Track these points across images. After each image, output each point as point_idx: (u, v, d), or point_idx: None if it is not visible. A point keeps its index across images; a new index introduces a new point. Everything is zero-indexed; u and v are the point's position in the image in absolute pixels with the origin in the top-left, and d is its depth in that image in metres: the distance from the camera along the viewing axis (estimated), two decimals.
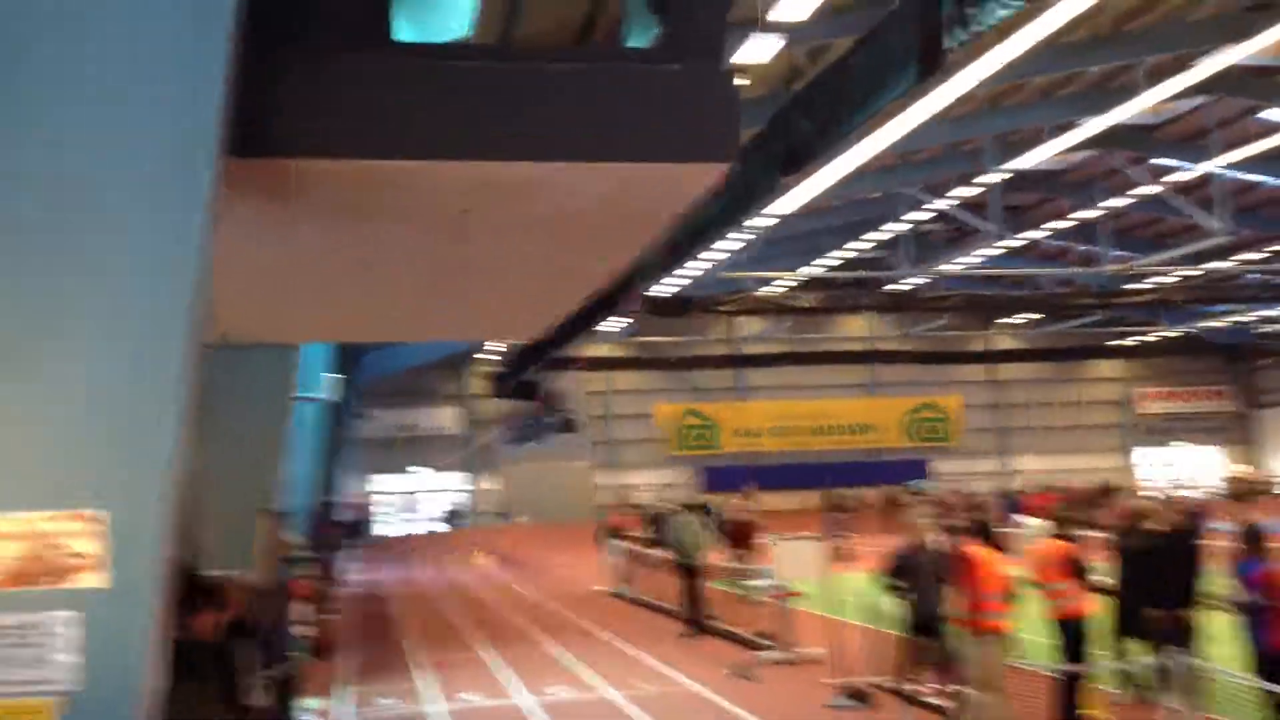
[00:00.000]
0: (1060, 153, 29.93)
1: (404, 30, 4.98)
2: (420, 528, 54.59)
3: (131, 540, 3.85)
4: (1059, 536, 11.49)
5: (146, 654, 3.80)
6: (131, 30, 3.94)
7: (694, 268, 32.46)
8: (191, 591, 6.42)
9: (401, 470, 56.05)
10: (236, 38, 4.01)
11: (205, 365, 4.55)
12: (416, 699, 14.47)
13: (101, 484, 3.88)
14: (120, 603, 3.82)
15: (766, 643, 16.68)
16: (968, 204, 35.23)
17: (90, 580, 3.82)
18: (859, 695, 12.85)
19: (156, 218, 3.94)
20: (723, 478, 54.35)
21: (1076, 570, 11.04)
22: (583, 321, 26.63)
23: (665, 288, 33.88)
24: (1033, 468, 58.62)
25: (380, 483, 56.78)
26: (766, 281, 38.03)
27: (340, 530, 39.20)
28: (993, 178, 31.64)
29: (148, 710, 3.86)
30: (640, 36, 5.18)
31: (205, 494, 8.12)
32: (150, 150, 3.93)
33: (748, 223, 26.49)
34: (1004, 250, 40.41)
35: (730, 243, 30.90)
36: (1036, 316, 52.30)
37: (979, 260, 40.14)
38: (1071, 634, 10.98)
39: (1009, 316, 55.03)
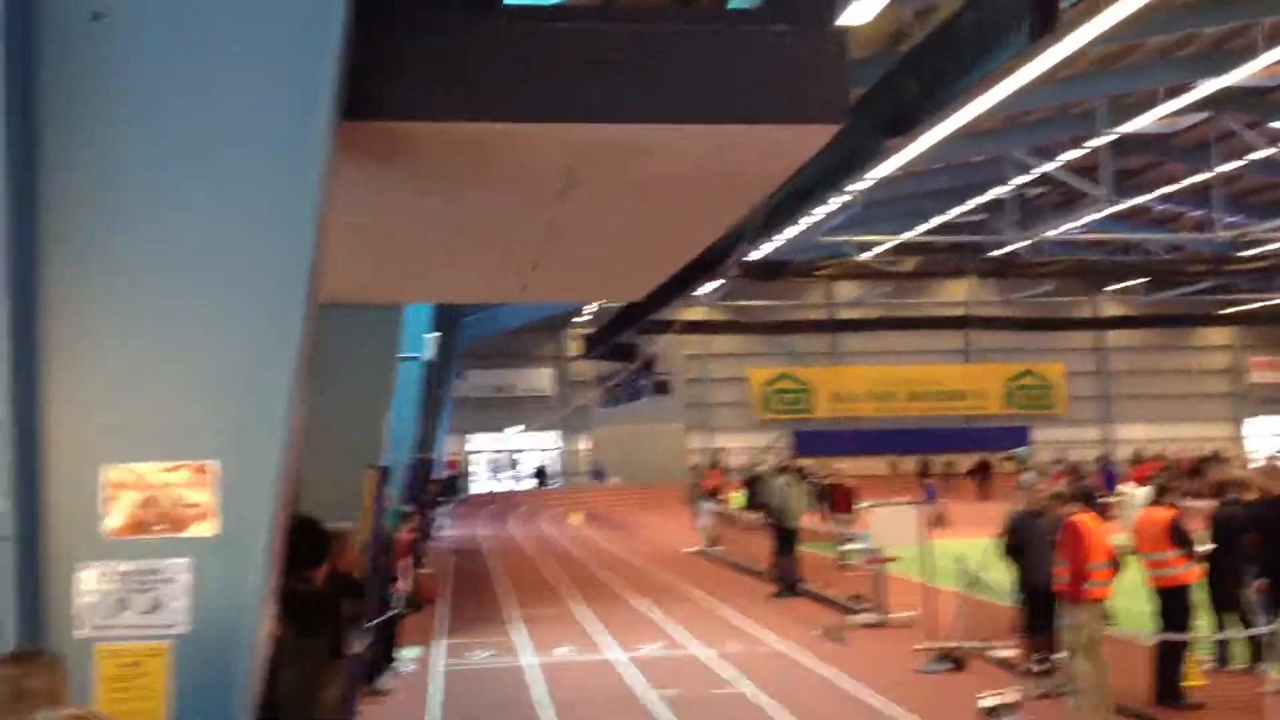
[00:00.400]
0: (1172, 115, 28.97)
1: None
2: (515, 486, 55.24)
3: (244, 491, 3.98)
4: (1160, 504, 11.26)
5: (256, 600, 3.92)
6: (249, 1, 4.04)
7: (792, 231, 32.16)
8: (312, 543, 6.60)
9: (498, 430, 56.72)
10: (350, 4, 4.07)
11: (317, 324, 4.66)
12: (511, 651, 14.74)
13: (216, 436, 4.01)
14: (232, 551, 3.95)
15: (858, 606, 16.66)
16: (1076, 168, 34.28)
17: (204, 528, 3.96)
18: (951, 659, 12.77)
19: (275, 178, 4.03)
20: (816, 442, 54.08)
21: (1178, 539, 10.83)
22: (680, 284, 26.59)
23: (762, 251, 33.63)
24: (1139, 437, 57.24)
25: (477, 441, 57.56)
26: (865, 246, 37.49)
27: (438, 487, 39.92)
28: (1103, 141, 30.76)
29: (257, 654, 3.99)
30: None
31: (315, 448, 8.32)
32: (269, 112, 4.02)
33: (848, 186, 26.15)
34: (1112, 215, 39.33)
35: (829, 206, 30.54)
36: (1144, 282, 50.85)
37: (1086, 225, 39.11)
38: (1172, 603, 10.80)
39: (1116, 283, 53.61)
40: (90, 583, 3.89)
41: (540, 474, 55.95)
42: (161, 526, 3.94)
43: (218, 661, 3.73)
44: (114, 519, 3.93)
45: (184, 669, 3.85)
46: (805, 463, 30.88)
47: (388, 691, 12.42)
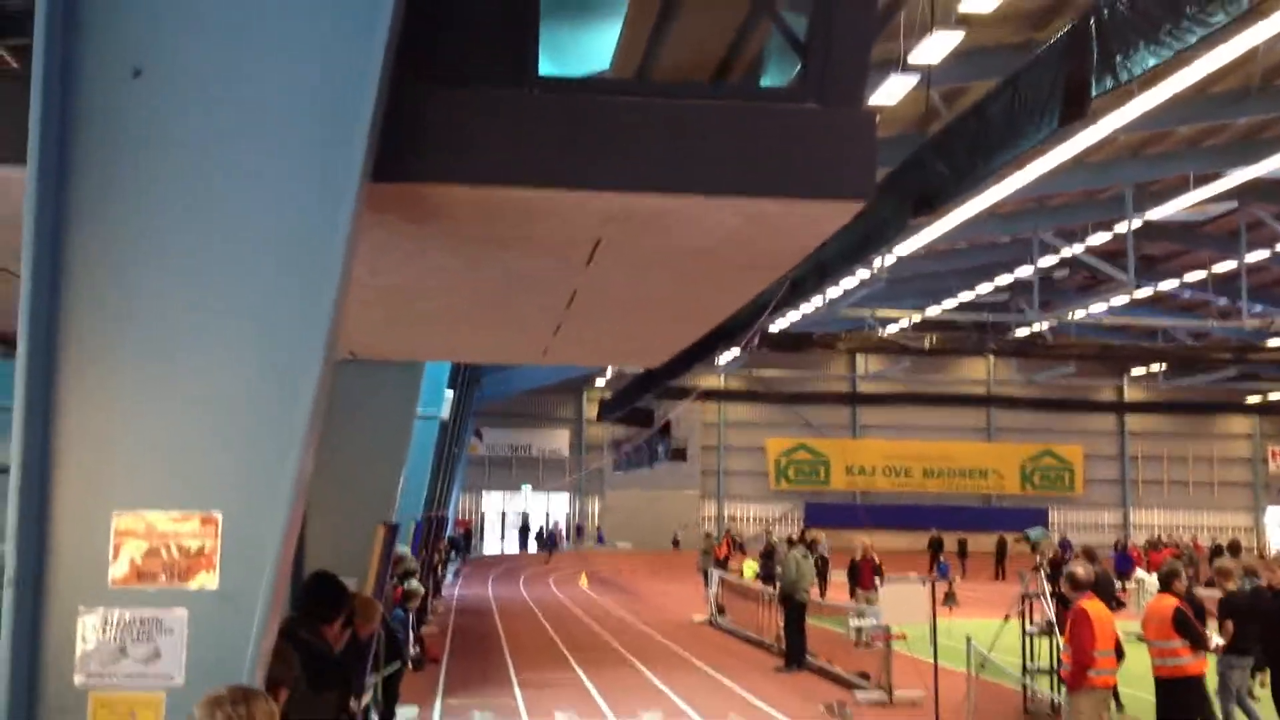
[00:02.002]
0: (1200, 203, 29.05)
1: (546, 64, 5.06)
2: (526, 547, 55.02)
3: (248, 544, 3.95)
4: (1169, 593, 11.12)
5: (253, 654, 3.89)
6: (287, 59, 4.09)
7: (815, 303, 32.24)
8: (330, 597, 6.57)
9: (511, 489, 56.63)
10: (385, 69, 4.12)
11: (334, 380, 4.67)
12: (509, 715, 14.56)
13: (224, 487, 4.00)
14: (232, 604, 3.92)
15: (864, 683, 16.43)
16: (1101, 252, 34.37)
17: (206, 580, 3.93)
18: None
19: (300, 236, 4.06)
20: (829, 514, 53.79)
21: (1181, 628, 10.67)
22: (700, 352, 26.65)
23: (784, 322, 33.72)
24: (1156, 522, 56.74)
25: (490, 500, 57.47)
26: (887, 320, 37.54)
27: (448, 545, 39.76)
28: (1129, 226, 30.81)
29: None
30: (778, 75, 5.17)
31: (325, 502, 8.30)
32: (299, 170, 4.06)
33: (872, 261, 26.26)
34: (1137, 301, 39.31)
35: (853, 280, 30.63)
36: (1167, 368, 50.66)
37: (1110, 309, 39.07)
38: (1178, 693, 10.63)
39: (1139, 367, 53.43)
40: (92, 629, 3.87)
41: (556, 537, 55.74)
42: (165, 576, 3.92)
43: None
44: (120, 567, 3.91)
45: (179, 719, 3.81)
46: (817, 534, 30.59)
47: None
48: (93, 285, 4.03)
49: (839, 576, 29.46)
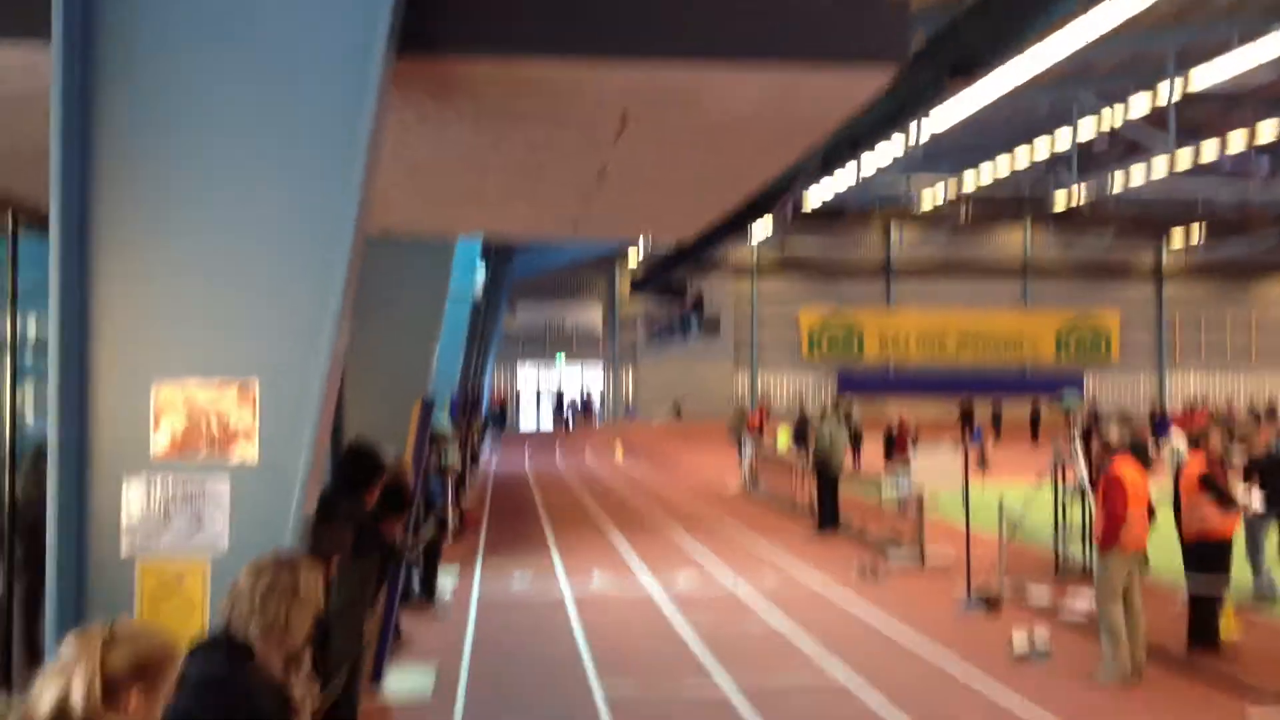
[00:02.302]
0: (1242, 70, 28.23)
1: None
2: (561, 420, 55.60)
3: (286, 415, 4.04)
4: (1200, 454, 11.18)
5: (294, 522, 4.00)
6: None
7: (849, 174, 31.81)
8: (365, 467, 6.75)
9: (546, 364, 57.03)
10: None
11: (368, 256, 4.70)
12: (547, 580, 14.94)
13: (262, 361, 4.07)
14: (272, 473, 4.03)
15: (896, 547, 16.71)
16: (1142, 119, 33.57)
17: (246, 451, 4.03)
18: (987, 602, 12.79)
19: (329, 110, 4.05)
20: (862, 383, 53.91)
21: (1211, 489, 10.75)
22: (733, 225, 26.47)
23: (818, 194, 33.34)
24: (1194, 388, 56.60)
25: (525, 375, 57.96)
26: (923, 190, 37.02)
27: (485, 418, 40.26)
28: (1171, 92, 30.04)
29: None
30: None
31: (363, 378, 8.43)
32: (327, 45, 4.04)
33: (908, 131, 25.80)
34: (1177, 168, 38.53)
35: (890, 150, 30.15)
36: (1205, 234, 49.90)
37: (1150, 178, 38.32)
38: (1209, 553, 10.76)
39: (1178, 233, 52.64)
40: (136, 500, 3.99)
41: (592, 409, 56.17)
42: (206, 447, 4.02)
43: None
44: (161, 438, 4.01)
45: (223, 586, 3.94)
46: (851, 403, 30.73)
47: (439, 614, 12.66)
48: (123, 160, 4.05)
49: (872, 445, 29.74)
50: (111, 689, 2.61)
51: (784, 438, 33.10)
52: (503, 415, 51.15)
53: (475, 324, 22.47)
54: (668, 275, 42.87)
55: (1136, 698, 9.44)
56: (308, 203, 4.09)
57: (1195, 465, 11.00)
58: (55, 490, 3.92)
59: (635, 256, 52.98)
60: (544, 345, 56.56)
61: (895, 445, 26.40)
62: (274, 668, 3.52)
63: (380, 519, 7.06)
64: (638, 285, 50.44)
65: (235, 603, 3.51)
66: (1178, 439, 18.58)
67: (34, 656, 6.77)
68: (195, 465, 4.01)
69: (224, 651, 3.44)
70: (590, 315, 57.53)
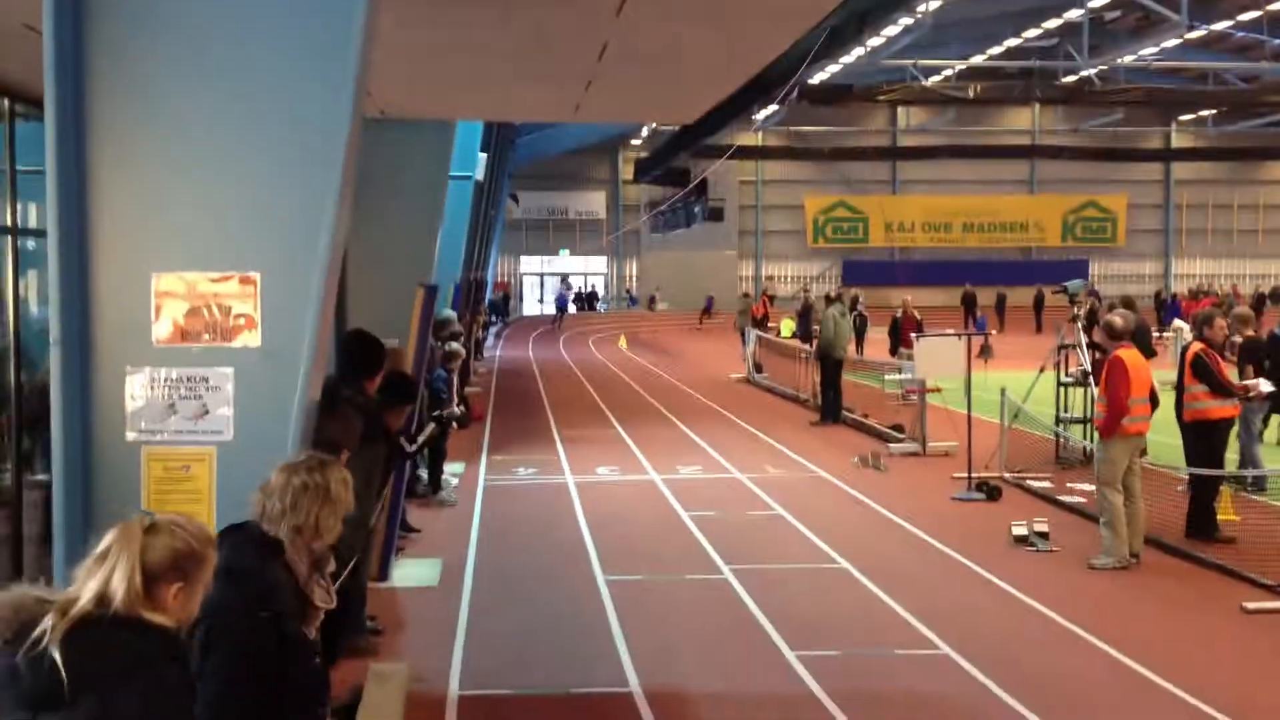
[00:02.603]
0: None
1: None
2: (565, 309, 55.72)
3: (288, 303, 4.01)
4: (1200, 340, 11.15)
5: (299, 410, 4.00)
6: None
7: (854, 54, 31.21)
8: (367, 354, 6.74)
9: (549, 253, 56.84)
10: None
11: (365, 139, 4.61)
12: (552, 469, 15.07)
13: (261, 249, 4.03)
14: (275, 361, 4.01)
15: (898, 435, 16.81)
16: None
17: (249, 339, 4.01)
18: (986, 489, 12.90)
19: None
20: (867, 272, 53.78)
21: (1203, 373, 10.75)
22: (736, 108, 26.08)
23: (823, 74, 32.78)
24: (1200, 272, 56.44)
25: (528, 264, 57.79)
26: (930, 70, 36.35)
27: (488, 308, 40.26)
28: None
29: None
30: None
31: (365, 265, 8.37)
32: None
33: (915, 5, 25.23)
34: (1189, 42, 37.79)
35: (895, 28, 29.53)
36: (1216, 113, 49.14)
37: (1162, 51, 37.59)
38: (1205, 437, 10.80)
39: (1189, 113, 51.89)
40: (140, 388, 3.98)
41: (595, 299, 56.12)
42: (208, 336, 4.00)
43: (262, 468, 3.82)
44: (162, 326, 3.99)
45: (229, 474, 3.96)
46: (855, 292, 30.66)
47: (453, 502, 12.79)
48: (117, 42, 3.96)
49: (876, 334, 29.74)
50: (151, 581, 2.62)
51: (787, 327, 33.12)
52: (506, 304, 51.12)
53: (478, 207, 22.30)
54: (671, 161, 42.41)
55: (1132, 584, 9.56)
56: (304, 86, 4.00)
57: (1192, 349, 10.99)
58: (59, 379, 3.91)
59: (638, 142, 52.41)
60: (547, 234, 56.30)
61: (901, 334, 26.38)
62: (300, 567, 3.53)
63: (384, 409, 7.07)
64: (641, 172, 49.94)
65: (267, 498, 3.52)
66: (1184, 323, 18.60)
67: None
68: (198, 352, 4.00)
69: (254, 544, 3.46)
70: (593, 203, 57.16)
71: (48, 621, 2.50)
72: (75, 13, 3.92)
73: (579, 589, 9.46)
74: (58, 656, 2.46)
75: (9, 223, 9.14)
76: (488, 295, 40.57)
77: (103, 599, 2.57)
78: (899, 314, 27.30)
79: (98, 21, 3.94)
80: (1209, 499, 10.73)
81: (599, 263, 57.87)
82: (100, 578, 2.58)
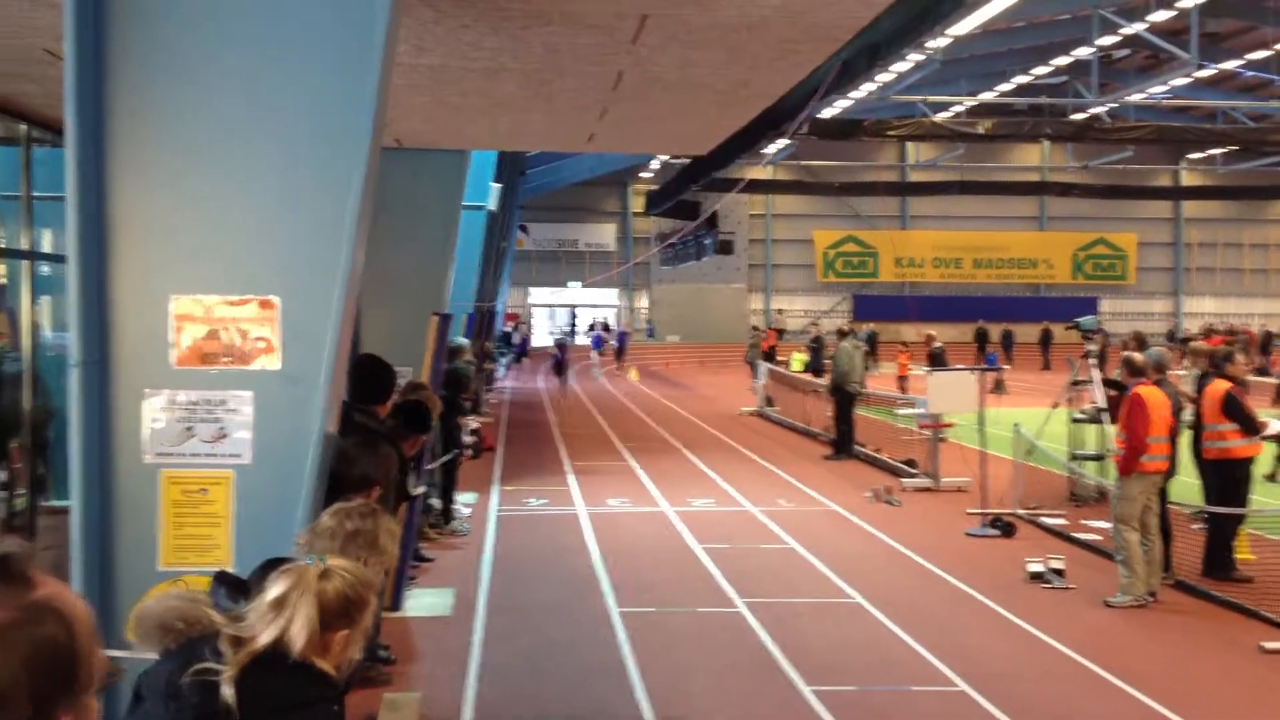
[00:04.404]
0: None
1: None
2: (574, 341, 55.67)
3: (306, 327, 3.99)
4: (1222, 377, 11.06)
5: (317, 434, 3.97)
6: None
7: (865, 89, 31.32)
8: (378, 380, 6.69)
9: (558, 284, 56.90)
10: None
11: (381, 168, 4.61)
12: (563, 500, 15.00)
13: (280, 273, 4.01)
14: (294, 385, 3.98)
15: (910, 470, 16.72)
16: (1163, 29, 32.92)
17: (267, 363, 3.99)
18: (1000, 525, 12.81)
19: (342, 15, 3.94)
20: (877, 306, 53.76)
21: (1233, 412, 10.67)
22: (747, 141, 26.16)
23: (833, 109, 32.88)
24: (1209, 310, 56.31)
25: (537, 295, 57.85)
26: (940, 106, 36.46)
27: (498, 338, 40.25)
28: (1193, 1, 29.41)
29: (318, 486, 4.05)
30: None
31: (379, 292, 8.37)
32: None
33: (926, 42, 25.33)
34: (1198, 81, 37.88)
35: (905, 63, 29.64)
36: (1225, 152, 49.18)
37: (1170, 90, 37.66)
38: (1228, 476, 10.71)
39: (1198, 151, 51.94)
40: (159, 410, 3.95)
41: (605, 331, 55.99)
42: (227, 359, 3.98)
43: (279, 492, 3.79)
44: (181, 349, 3.97)
45: (247, 498, 3.93)
46: (872, 327, 30.63)
47: (465, 533, 12.72)
48: (137, 67, 3.96)
49: (889, 369, 29.67)
50: (323, 628, 2.63)
51: (798, 361, 33.08)
52: (516, 334, 51.08)
53: (490, 237, 22.35)
54: (681, 194, 42.51)
55: (1149, 622, 9.46)
56: (323, 111, 4.00)
57: (1218, 387, 10.88)
58: (79, 401, 3.89)
59: (649, 174, 52.57)
60: (557, 265, 56.39)
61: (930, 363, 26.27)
62: None
63: (399, 437, 7.02)
64: (651, 204, 50.06)
65: (317, 539, 3.48)
66: (1189, 358, 18.45)
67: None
68: (217, 375, 3.97)
69: None
70: (603, 235, 57.27)
71: (224, 651, 2.52)
72: (96, 37, 3.92)
73: (591, 620, 9.39)
74: (232, 693, 2.48)
75: (25, 247, 9.17)
76: (499, 327, 40.57)
77: (279, 643, 2.58)
78: (939, 346, 27.11)
79: (118, 46, 3.94)
80: (1228, 538, 10.64)
81: (609, 294, 57.90)
82: (280, 625, 2.60)
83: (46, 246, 9.51)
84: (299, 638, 2.59)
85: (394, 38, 4.11)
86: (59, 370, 9.12)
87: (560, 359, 31.92)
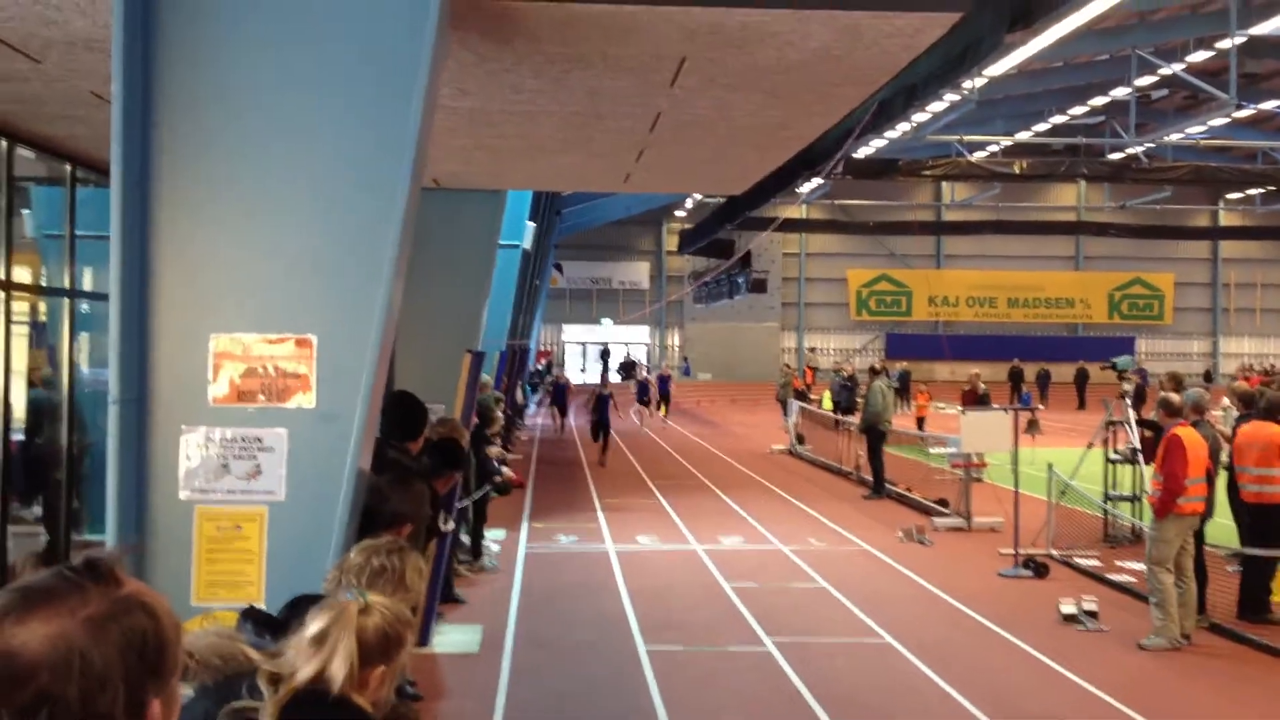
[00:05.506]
0: None
1: None
2: (607, 378, 55.63)
3: (343, 365, 4.05)
4: (1272, 421, 10.91)
5: (351, 471, 4.01)
6: None
7: (901, 129, 31.38)
8: (410, 417, 6.73)
9: (592, 321, 57.05)
10: None
11: (420, 207, 4.68)
12: (593, 538, 15.00)
13: (318, 311, 4.08)
14: (329, 423, 4.03)
15: (943, 509, 16.61)
16: (1202, 70, 32.83)
17: (303, 400, 4.04)
18: (1033, 565, 12.69)
19: (384, 57, 4.03)
20: (911, 345, 53.56)
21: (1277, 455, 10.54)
22: (782, 181, 26.23)
23: (869, 149, 32.94)
24: (1247, 351, 55.74)
25: (571, 332, 58.02)
26: (976, 146, 36.46)
27: (532, 375, 40.33)
28: (1232, 42, 29.34)
29: (351, 523, 4.09)
30: None
31: (413, 329, 8.45)
32: None
33: (962, 82, 25.36)
34: (1237, 121, 37.69)
35: (941, 104, 29.69)
36: (1265, 191, 48.82)
37: (1208, 130, 37.49)
38: (1268, 519, 10.57)
39: (1236, 191, 51.59)
40: (195, 447, 4.01)
41: (635, 368, 56.02)
42: (264, 396, 4.04)
43: (313, 529, 3.83)
44: (219, 386, 4.03)
45: (280, 534, 3.97)
46: (902, 365, 30.49)
47: (494, 569, 12.74)
48: (183, 114, 4.05)
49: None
50: (362, 664, 2.64)
51: (827, 400, 32.96)
52: (550, 372, 51.16)
53: (525, 276, 22.49)
54: (715, 233, 42.64)
55: (1184, 665, 9.35)
56: (364, 153, 4.07)
57: (1269, 431, 10.69)
58: (116, 437, 3.95)
59: (683, 213, 52.76)
60: (590, 303, 56.58)
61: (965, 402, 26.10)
62: None
63: (433, 474, 7.05)
64: (685, 243, 50.23)
65: (344, 574, 3.52)
66: (1229, 399, 18.23)
67: None
68: (253, 413, 4.03)
69: None
70: (637, 273, 57.44)
71: (262, 688, 2.53)
72: (145, 81, 4.02)
73: (619, 658, 9.37)
74: None
75: (66, 285, 9.33)
76: (531, 363, 40.61)
77: (319, 679, 2.58)
78: (983, 388, 26.98)
79: (165, 89, 4.03)
80: (1266, 580, 10.51)
81: (642, 332, 57.99)
82: (320, 660, 2.60)
83: (87, 284, 9.67)
84: (339, 674, 2.58)
85: (436, 80, 4.18)
86: (95, 406, 9.25)
87: (601, 419, 24.56)
